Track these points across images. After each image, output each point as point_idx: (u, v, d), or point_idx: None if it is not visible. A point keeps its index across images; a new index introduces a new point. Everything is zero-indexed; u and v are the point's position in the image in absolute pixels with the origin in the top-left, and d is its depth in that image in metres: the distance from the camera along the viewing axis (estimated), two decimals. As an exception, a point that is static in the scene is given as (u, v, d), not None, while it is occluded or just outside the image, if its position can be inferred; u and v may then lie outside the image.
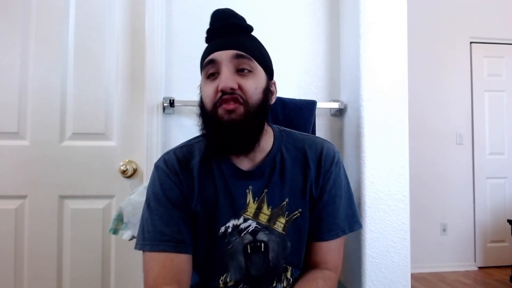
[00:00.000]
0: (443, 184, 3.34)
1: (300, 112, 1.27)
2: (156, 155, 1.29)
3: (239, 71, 0.76)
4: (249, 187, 0.81)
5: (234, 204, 0.80)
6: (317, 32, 1.44)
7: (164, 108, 1.32)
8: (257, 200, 0.81)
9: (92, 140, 1.37)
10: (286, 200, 0.82)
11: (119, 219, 1.19)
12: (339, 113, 1.41)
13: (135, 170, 1.36)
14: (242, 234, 0.80)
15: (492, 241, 3.39)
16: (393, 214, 1.23)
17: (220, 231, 0.80)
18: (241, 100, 0.74)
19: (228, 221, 0.80)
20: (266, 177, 0.82)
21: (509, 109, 3.49)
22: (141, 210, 1.12)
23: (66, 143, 1.37)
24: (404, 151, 1.25)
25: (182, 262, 0.77)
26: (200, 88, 0.82)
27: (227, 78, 0.74)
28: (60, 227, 1.36)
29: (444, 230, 3.33)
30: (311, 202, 0.84)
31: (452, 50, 3.39)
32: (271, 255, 0.81)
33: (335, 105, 1.37)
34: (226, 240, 0.80)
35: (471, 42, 3.42)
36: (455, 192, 3.36)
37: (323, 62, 1.44)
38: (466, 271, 3.29)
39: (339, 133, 1.43)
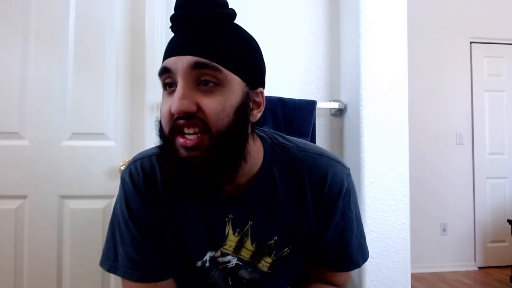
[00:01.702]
0: (443, 184, 3.34)
1: (300, 112, 1.28)
2: (156, 155, 1.29)
3: (203, 84, 0.55)
4: (229, 215, 0.65)
5: (211, 234, 0.65)
6: (317, 32, 1.44)
7: (164, 108, 1.32)
8: (238, 232, 0.65)
9: (92, 140, 1.37)
10: (274, 238, 0.66)
11: (119, 219, 1.19)
12: (339, 113, 1.41)
13: (135, 170, 1.36)
14: (221, 267, 0.68)
15: (492, 241, 3.38)
16: (393, 214, 1.23)
17: (198, 265, 0.67)
18: (202, 126, 0.54)
19: (205, 254, 0.66)
20: (252, 207, 0.64)
21: (509, 109, 3.48)
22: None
23: (66, 143, 1.37)
24: (404, 151, 1.25)
25: None
26: None
27: (180, 98, 0.53)
28: (60, 227, 1.36)
29: (444, 230, 3.33)
30: (308, 238, 0.68)
31: (452, 50, 3.38)
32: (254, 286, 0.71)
33: (335, 105, 1.37)
34: (205, 274, 0.68)
35: (471, 42, 3.42)
36: (455, 192, 3.36)
37: (323, 62, 1.44)
38: (466, 271, 3.29)
39: (339, 133, 1.43)
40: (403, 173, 1.24)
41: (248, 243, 0.66)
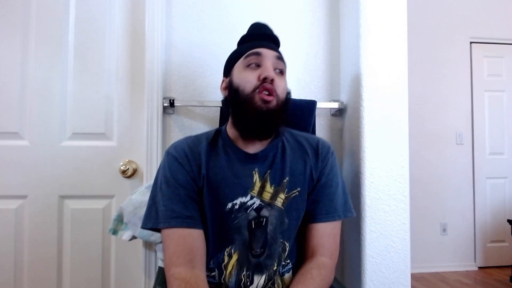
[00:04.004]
0: (443, 184, 3.34)
1: (300, 112, 1.27)
2: (156, 155, 1.29)
3: (276, 70, 0.89)
4: (255, 169, 0.90)
5: (242, 182, 0.88)
6: (317, 32, 1.44)
7: (164, 108, 1.32)
8: (261, 180, 0.90)
9: (92, 140, 1.37)
10: (286, 178, 0.90)
11: (119, 219, 1.20)
12: (339, 113, 1.41)
13: (135, 170, 1.36)
14: (248, 211, 0.88)
15: (492, 241, 3.38)
16: (393, 214, 1.23)
17: (227, 207, 0.87)
18: (274, 93, 0.85)
19: (236, 198, 0.87)
20: (270, 160, 0.92)
21: (509, 109, 3.48)
22: (142, 209, 1.12)
23: (66, 143, 1.37)
24: (404, 151, 1.25)
25: (194, 239, 0.84)
26: (230, 77, 0.92)
27: (271, 70, 0.86)
28: (60, 227, 1.36)
29: (444, 230, 3.33)
30: (310, 184, 0.93)
31: (452, 50, 3.38)
32: (269, 228, 0.88)
33: (335, 105, 1.37)
34: (232, 216, 0.87)
35: (471, 42, 3.42)
36: (455, 192, 3.36)
37: (323, 62, 1.44)
38: (466, 271, 3.29)
39: (339, 133, 1.43)
40: (403, 173, 1.24)
41: (268, 186, 0.89)
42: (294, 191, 0.90)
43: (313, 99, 1.34)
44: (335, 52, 1.44)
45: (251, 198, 0.88)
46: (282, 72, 0.91)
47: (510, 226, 2.97)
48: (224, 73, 0.98)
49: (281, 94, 0.87)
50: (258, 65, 0.87)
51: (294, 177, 0.91)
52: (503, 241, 3.37)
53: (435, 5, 3.37)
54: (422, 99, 3.29)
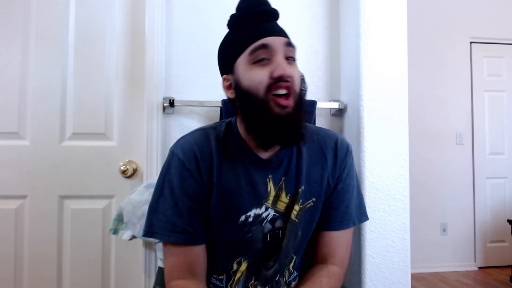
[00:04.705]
0: (443, 184, 3.34)
1: (300, 112, 1.27)
2: (156, 155, 1.29)
3: (287, 58, 0.75)
4: (269, 176, 0.79)
5: (256, 192, 0.79)
6: (317, 32, 1.44)
7: (164, 108, 1.32)
8: (276, 188, 0.80)
9: (92, 140, 1.37)
10: (302, 187, 0.81)
11: (119, 219, 1.20)
12: (339, 113, 1.41)
13: (135, 170, 1.36)
14: (263, 224, 0.80)
15: (492, 241, 3.38)
16: (393, 214, 1.23)
17: (240, 220, 0.78)
18: (292, 92, 0.73)
19: (250, 210, 0.79)
20: (284, 166, 0.81)
21: (509, 109, 3.48)
22: (141, 209, 1.12)
23: (66, 143, 1.37)
24: (404, 151, 1.25)
25: (195, 254, 0.78)
26: (235, 77, 0.76)
27: (286, 66, 0.73)
28: (60, 227, 1.36)
29: (444, 230, 3.33)
30: (327, 192, 0.84)
31: (452, 50, 3.38)
32: (284, 242, 0.81)
33: (335, 105, 1.37)
34: (245, 229, 0.79)
35: (471, 42, 3.42)
36: (455, 192, 3.36)
37: (323, 62, 1.44)
38: (466, 271, 3.29)
39: (339, 133, 1.43)
40: (403, 173, 1.24)
41: (283, 196, 0.80)
42: (309, 201, 0.82)
43: (313, 99, 1.34)
44: (335, 52, 1.44)
45: (266, 209, 0.80)
46: (293, 59, 0.76)
47: (510, 226, 2.97)
48: (223, 69, 0.83)
49: (297, 86, 0.74)
50: (267, 58, 0.73)
51: (310, 186, 0.82)
52: (503, 241, 3.37)
53: (435, 5, 3.37)
54: (422, 99, 3.29)
